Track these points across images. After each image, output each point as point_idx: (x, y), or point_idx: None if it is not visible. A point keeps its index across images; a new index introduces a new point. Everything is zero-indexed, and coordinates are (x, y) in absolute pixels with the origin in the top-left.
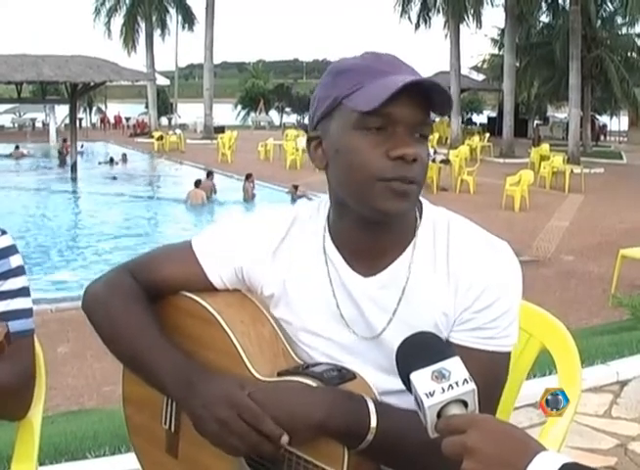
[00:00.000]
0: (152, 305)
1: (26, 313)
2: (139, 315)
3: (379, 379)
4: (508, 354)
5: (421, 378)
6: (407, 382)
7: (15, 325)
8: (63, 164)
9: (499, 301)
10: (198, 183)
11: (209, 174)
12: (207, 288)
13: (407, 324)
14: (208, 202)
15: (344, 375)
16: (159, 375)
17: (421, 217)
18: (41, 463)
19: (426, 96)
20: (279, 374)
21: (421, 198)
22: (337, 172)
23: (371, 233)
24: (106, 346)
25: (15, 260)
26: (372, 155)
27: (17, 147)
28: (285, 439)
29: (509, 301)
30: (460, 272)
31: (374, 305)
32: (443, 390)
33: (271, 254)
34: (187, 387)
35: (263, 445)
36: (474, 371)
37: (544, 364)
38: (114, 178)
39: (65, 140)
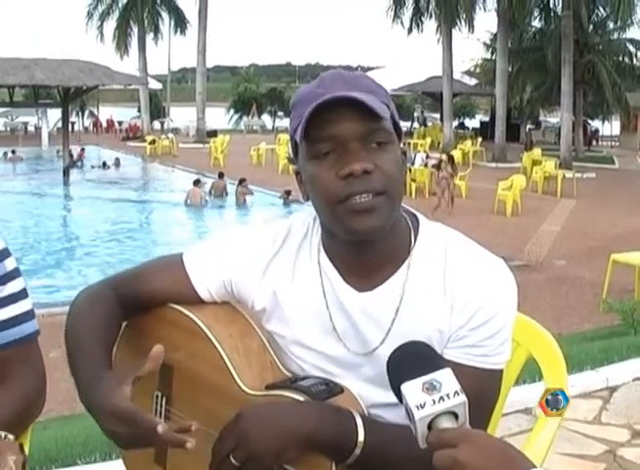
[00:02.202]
0: (121, 317)
1: (31, 315)
2: (94, 331)
3: (369, 392)
4: (500, 372)
5: (412, 389)
6: (398, 392)
7: (24, 329)
8: (73, 167)
9: (494, 319)
10: (197, 182)
11: (221, 175)
12: (195, 300)
13: (401, 341)
14: (221, 200)
15: (332, 389)
16: (77, 383)
17: (417, 235)
18: (32, 469)
19: (361, 105)
20: (267, 387)
21: (418, 214)
22: (312, 202)
23: (361, 251)
24: None
25: (9, 263)
26: (327, 180)
27: (13, 151)
28: (160, 428)
29: (504, 319)
30: (456, 290)
31: (368, 320)
32: (434, 402)
33: (263, 268)
34: (86, 398)
35: (147, 439)
36: (466, 388)
37: (534, 371)
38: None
39: (70, 154)
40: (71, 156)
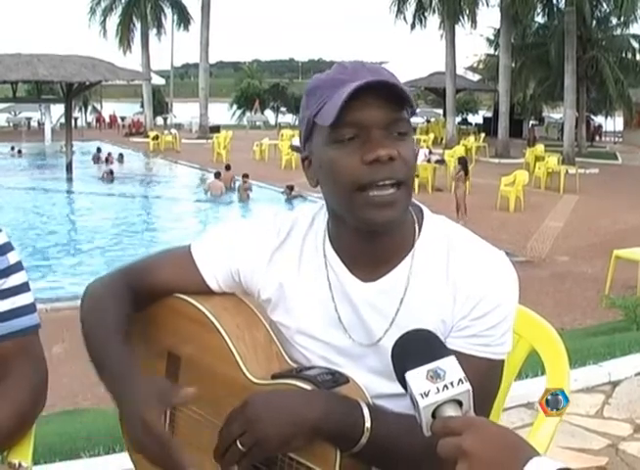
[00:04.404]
0: (133, 312)
1: (32, 308)
2: (111, 319)
3: (373, 382)
4: (502, 362)
5: (416, 377)
6: (402, 380)
7: (24, 321)
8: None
9: (496, 310)
10: (217, 175)
11: (228, 167)
12: (204, 290)
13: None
14: (227, 192)
15: (338, 379)
16: (102, 375)
17: (421, 227)
18: (35, 463)
19: (388, 94)
20: (273, 377)
21: (422, 206)
22: (324, 188)
23: (368, 241)
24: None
25: (12, 257)
26: (349, 164)
27: (19, 151)
28: None
29: (505, 310)
30: (459, 282)
31: (373, 310)
32: (438, 390)
33: (268, 257)
34: (118, 393)
35: (167, 465)
36: (468, 377)
37: (536, 365)
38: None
39: (99, 150)
40: (98, 154)
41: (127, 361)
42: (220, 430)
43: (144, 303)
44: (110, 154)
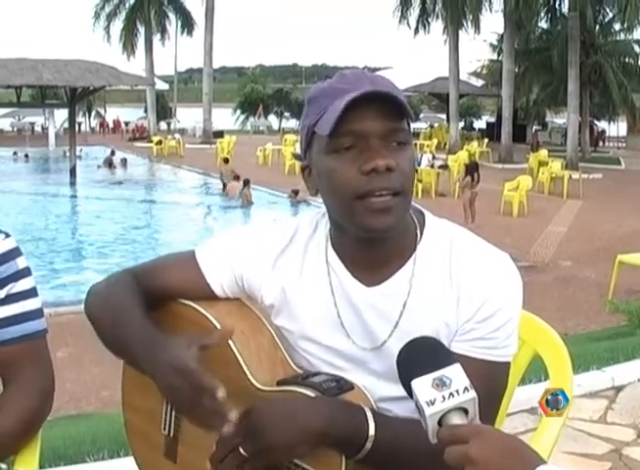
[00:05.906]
0: (148, 306)
1: (40, 313)
2: (130, 304)
3: (377, 386)
4: (508, 364)
5: (422, 386)
6: (408, 388)
7: (32, 326)
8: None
9: (500, 312)
10: (237, 178)
11: (227, 160)
12: (209, 296)
13: (409, 335)
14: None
15: (343, 386)
16: (132, 350)
17: (422, 230)
18: (41, 466)
19: (386, 104)
20: (278, 383)
21: (423, 210)
22: (323, 197)
23: (370, 247)
24: (100, 340)
25: (21, 262)
26: (347, 174)
27: (26, 155)
28: (221, 393)
29: (509, 312)
30: (462, 284)
31: (376, 314)
32: (444, 398)
33: (272, 263)
34: (150, 358)
35: (204, 399)
36: (474, 380)
37: (539, 370)
38: (113, 167)
39: (113, 152)
40: (110, 163)
41: (153, 330)
42: (221, 436)
43: (148, 305)
44: (122, 159)
